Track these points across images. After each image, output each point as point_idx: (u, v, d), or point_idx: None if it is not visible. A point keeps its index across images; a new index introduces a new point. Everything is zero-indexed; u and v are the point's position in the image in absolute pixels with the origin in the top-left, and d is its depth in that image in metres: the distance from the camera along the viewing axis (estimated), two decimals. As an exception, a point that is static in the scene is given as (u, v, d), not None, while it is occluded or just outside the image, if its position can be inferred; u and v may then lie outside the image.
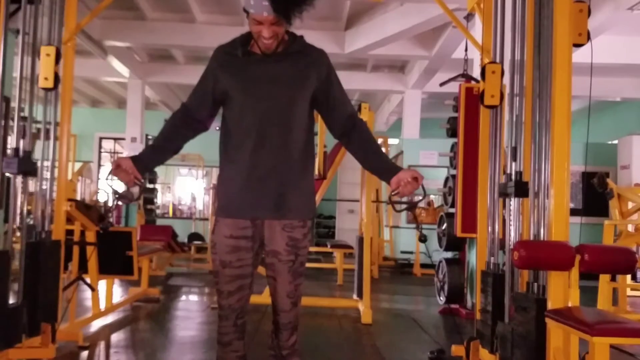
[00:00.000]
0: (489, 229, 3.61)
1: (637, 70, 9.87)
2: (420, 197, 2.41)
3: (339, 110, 2.38)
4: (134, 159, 2.32)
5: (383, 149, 10.27)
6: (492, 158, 3.66)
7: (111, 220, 10.11)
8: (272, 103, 2.27)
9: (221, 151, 2.39)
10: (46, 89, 3.54)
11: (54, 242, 3.66)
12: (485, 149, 3.73)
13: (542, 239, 2.88)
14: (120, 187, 2.45)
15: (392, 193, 2.27)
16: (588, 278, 3.07)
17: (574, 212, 8.28)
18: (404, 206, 2.59)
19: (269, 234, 2.31)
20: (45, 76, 3.47)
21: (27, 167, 3.39)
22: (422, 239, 2.52)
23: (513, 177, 3.24)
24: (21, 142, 3.41)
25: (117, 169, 2.28)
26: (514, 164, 3.25)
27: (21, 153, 3.39)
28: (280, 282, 2.33)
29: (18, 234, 3.91)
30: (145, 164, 2.35)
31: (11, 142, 3.46)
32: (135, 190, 2.47)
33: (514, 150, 3.26)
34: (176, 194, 15.18)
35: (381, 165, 2.35)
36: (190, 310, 5.85)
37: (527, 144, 3.18)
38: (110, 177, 2.30)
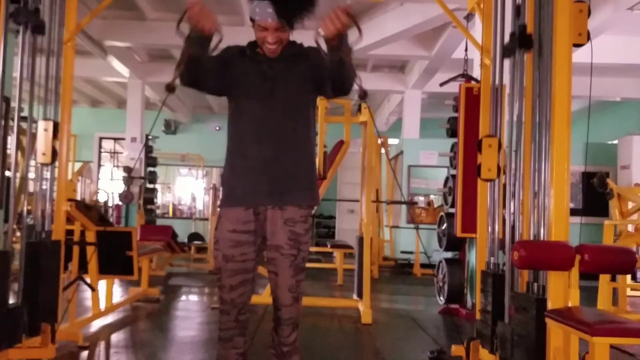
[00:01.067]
0: (489, 229, 3.61)
1: (637, 70, 9.87)
2: (356, 36, 2.17)
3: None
4: None
5: (383, 150, 10.26)
6: (491, 186, 3.65)
7: (111, 219, 10.04)
8: (274, 98, 2.38)
9: (228, 142, 2.48)
10: (44, 165, 3.53)
11: (54, 242, 3.66)
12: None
13: (542, 239, 2.88)
14: (120, 187, 2.43)
15: (319, 34, 2.09)
16: (588, 278, 3.07)
17: (574, 212, 8.28)
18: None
19: (271, 228, 2.36)
20: (43, 152, 3.46)
21: (36, 22, 3.33)
22: (362, 95, 2.39)
23: (517, 32, 3.24)
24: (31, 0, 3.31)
25: (202, 10, 2.16)
26: (517, 20, 3.28)
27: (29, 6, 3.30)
28: (281, 276, 2.36)
29: (18, 234, 3.91)
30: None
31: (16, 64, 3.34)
32: (135, 189, 2.47)
33: (518, 8, 3.29)
34: (176, 194, 15.19)
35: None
36: (190, 310, 5.85)
37: (527, 143, 3.18)
38: (186, 18, 2.17)
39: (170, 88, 2.29)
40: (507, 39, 3.48)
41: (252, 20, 2.34)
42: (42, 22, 3.41)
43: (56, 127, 3.52)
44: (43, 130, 3.46)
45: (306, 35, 2.43)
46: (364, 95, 2.29)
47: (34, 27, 3.34)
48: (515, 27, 3.30)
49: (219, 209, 2.51)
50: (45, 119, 3.53)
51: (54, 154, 3.52)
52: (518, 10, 3.30)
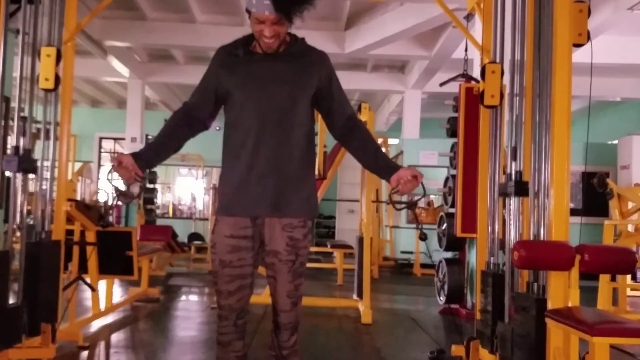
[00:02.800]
0: (489, 229, 3.61)
1: (637, 70, 9.87)
2: (420, 196, 2.43)
3: (339, 111, 2.40)
4: (134, 155, 2.31)
5: (383, 149, 10.28)
6: (492, 158, 3.66)
7: (111, 219, 10.10)
8: (273, 102, 2.29)
9: (223, 150, 2.40)
10: (46, 90, 3.54)
11: (54, 242, 3.66)
12: (485, 149, 3.73)
13: (542, 239, 2.88)
14: (121, 185, 2.44)
15: (392, 191, 2.29)
16: (588, 278, 3.07)
17: (574, 212, 8.27)
18: (403, 205, 2.60)
19: (269, 233, 2.32)
20: (46, 77, 3.46)
21: (27, 165, 3.39)
22: (423, 237, 2.52)
23: (513, 176, 3.24)
24: (21, 140, 3.40)
25: (118, 166, 2.26)
26: (514, 163, 3.26)
27: (21, 151, 3.38)
28: (280, 281, 2.33)
29: (18, 234, 3.91)
30: (145, 161, 2.34)
31: (11, 140, 3.46)
32: (136, 189, 2.48)
33: (514, 150, 3.26)
34: (176, 194, 15.18)
35: (381, 164, 2.37)
36: (190, 310, 5.85)
37: (527, 144, 3.18)
38: (110, 174, 2.29)
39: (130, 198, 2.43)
40: (507, 38, 3.48)
41: (248, 12, 2.23)
42: (34, 164, 3.47)
43: (59, 53, 3.51)
44: (46, 56, 3.46)
45: (305, 35, 2.41)
46: (423, 237, 2.60)
47: (24, 171, 3.41)
48: (511, 171, 3.27)
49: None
50: (49, 45, 3.53)
51: (57, 79, 3.51)
52: (515, 152, 3.27)
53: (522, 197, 3.20)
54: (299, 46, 2.35)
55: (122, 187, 2.48)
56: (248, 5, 2.21)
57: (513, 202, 3.26)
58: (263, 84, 2.29)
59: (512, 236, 3.28)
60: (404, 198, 9.87)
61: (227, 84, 2.34)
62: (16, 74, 3.40)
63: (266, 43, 2.24)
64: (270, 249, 2.32)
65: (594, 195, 6.83)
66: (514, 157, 3.26)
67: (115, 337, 4.46)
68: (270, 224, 2.31)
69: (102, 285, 4.98)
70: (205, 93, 2.41)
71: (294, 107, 2.31)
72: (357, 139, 2.40)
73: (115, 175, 2.29)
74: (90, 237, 4.43)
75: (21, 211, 3.45)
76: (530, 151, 3.06)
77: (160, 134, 2.44)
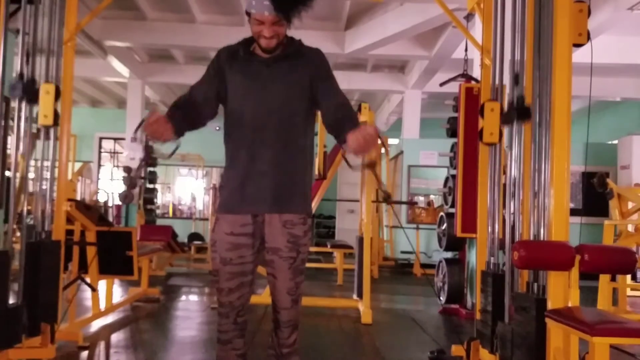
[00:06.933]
0: (489, 229, 3.61)
1: (637, 70, 9.86)
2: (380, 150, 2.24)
3: (330, 97, 2.35)
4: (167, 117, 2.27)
5: (383, 149, 10.28)
6: (492, 158, 3.66)
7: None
8: (272, 101, 2.33)
9: (225, 149, 2.43)
10: (46, 127, 3.54)
11: (54, 242, 3.66)
12: (485, 149, 3.73)
13: (542, 239, 2.88)
14: (120, 187, 2.43)
15: (346, 152, 2.17)
16: (588, 278, 3.07)
17: (574, 212, 8.26)
18: (357, 163, 2.40)
19: (269, 230, 2.33)
20: (45, 114, 3.48)
21: (31, 92, 3.39)
22: (387, 198, 2.46)
23: (515, 102, 3.23)
24: (25, 67, 3.39)
25: (154, 122, 2.20)
26: (515, 88, 3.26)
27: (25, 79, 3.38)
28: (280, 279, 2.34)
29: (18, 234, 3.91)
30: (176, 127, 2.30)
31: (15, 66, 3.40)
32: (135, 191, 2.48)
33: (516, 76, 3.27)
34: (176, 194, 15.19)
35: (345, 127, 2.16)
36: (190, 310, 5.85)
37: (527, 143, 3.18)
38: (140, 131, 2.23)
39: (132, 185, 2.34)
40: (507, 38, 3.48)
41: (247, 13, 2.27)
42: (37, 90, 3.46)
43: (58, 90, 3.51)
44: (45, 93, 3.47)
45: (305, 35, 2.42)
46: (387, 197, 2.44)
47: (29, 99, 3.42)
48: (513, 97, 3.28)
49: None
50: (47, 82, 3.54)
51: (56, 116, 3.52)
52: (517, 77, 3.29)
53: (524, 122, 3.19)
54: (294, 47, 2.39)
55: (121, 190, 2.46)
56: (248, 7, 2.26)
57: (514, 127, 3.24)
58: (262, 84, 2.33)
59: (513, 173, 3.30)
60: (400, 197, 9.86)
61: (227, 82, 2.38)
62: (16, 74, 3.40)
63: (265, 42, 2.27)
64: (270, 246, 2.34)
65: (594, 195, 6.83)
66: (516, 82, 3.27)
67: (115, 337, 4.46)
68: (271, 222, 2.33)
69: (102, 285, 4.98)
70: (210, 87, 2.41)
71: (292, 105, 2.35)
72: (340, 119, 2.26)
73: (146, 133, 2.24)
74: (90, 237, 4.43)
75: (21, 211, 3.45)
76: (531, 151, 3.06)
77: (181, 106, 2.39)
